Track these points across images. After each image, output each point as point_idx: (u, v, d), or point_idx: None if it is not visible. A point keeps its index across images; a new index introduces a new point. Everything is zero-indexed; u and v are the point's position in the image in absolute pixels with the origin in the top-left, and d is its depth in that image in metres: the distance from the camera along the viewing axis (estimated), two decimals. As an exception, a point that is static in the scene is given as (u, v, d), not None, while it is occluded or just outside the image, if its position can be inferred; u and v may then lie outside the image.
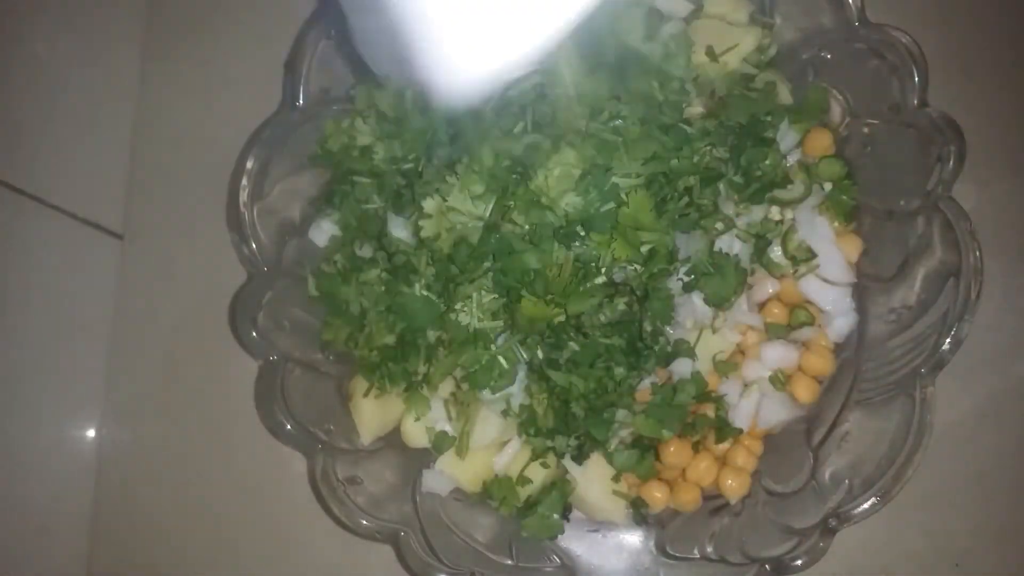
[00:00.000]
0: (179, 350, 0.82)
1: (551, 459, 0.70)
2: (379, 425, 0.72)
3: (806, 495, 0.67)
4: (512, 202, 0.62)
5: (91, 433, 0.82)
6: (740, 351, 0.72)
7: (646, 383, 0.68)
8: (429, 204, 0.64)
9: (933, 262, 0.67)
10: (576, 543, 0.72)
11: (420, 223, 0.64)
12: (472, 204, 0.63)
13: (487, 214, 0.62)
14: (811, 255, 0.70)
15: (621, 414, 0.66)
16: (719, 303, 0.67)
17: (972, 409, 0.76)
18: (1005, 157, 0.79)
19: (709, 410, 0.69)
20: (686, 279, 0.67)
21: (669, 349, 0.67)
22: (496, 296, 0.64)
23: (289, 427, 0.68)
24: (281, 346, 0.70)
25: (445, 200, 0.63)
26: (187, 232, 0.83)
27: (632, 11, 0.68)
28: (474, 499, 0.72)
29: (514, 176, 0.62)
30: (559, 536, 0.70)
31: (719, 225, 0.68)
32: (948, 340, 0.65)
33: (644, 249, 0.63)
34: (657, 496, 0.71)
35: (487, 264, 0.63)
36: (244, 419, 0.78)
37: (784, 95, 0.73)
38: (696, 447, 0.71)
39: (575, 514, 0.72)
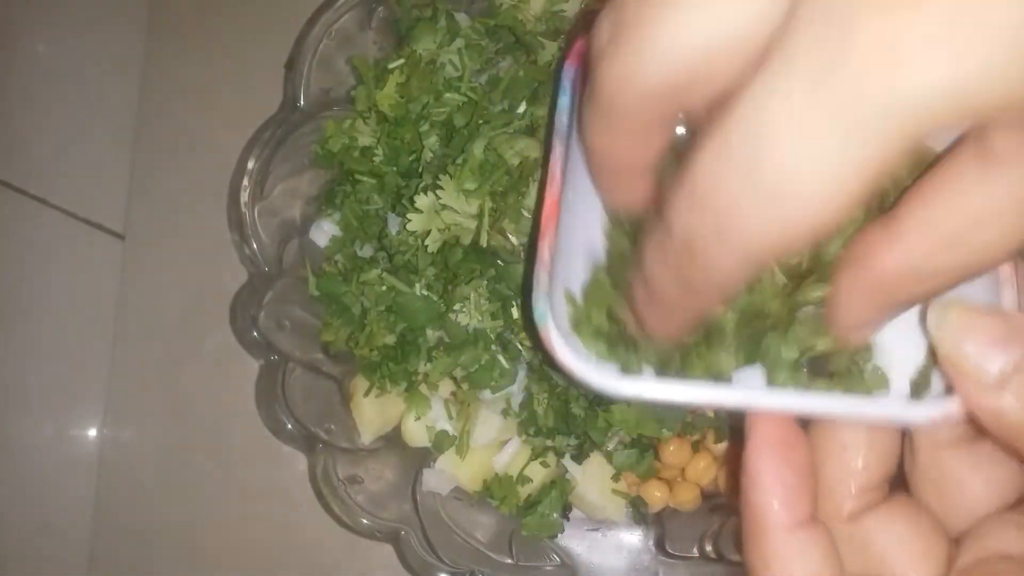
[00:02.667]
0: (180, 349, 0.82)
1: (551, 458, 0.70)
2: (380, 424, 0.72)
3: (805, 494, 0.67)
4: (504, 212, 0.62)
5: (92, 432, 0.82)
6: (739, 351, 0.72)
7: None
8: (422, 200, 0.64)
9: (931, 262, 0.67)
10: (576, 542, 0.72)
11: (409, 216, 0.64)
12: (466, 201, 0.63)
13: (481, 214, 0.62)
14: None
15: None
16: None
17: (970, 408, 0.76)
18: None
19: (708, 409, 0.70)
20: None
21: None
22: (492, 300, 0.64)
23: (290, 426, 0.68)
24: (282, 346, 0.70)
25: (439, 198, 0.63)
26: (188, 232, 0.83)
27: None
28: (474, 498, 0.72)
29: (506, 176, 0.62)
30: (559, 535, 0.70)
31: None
32: (946, 340, 0.65)
33: None
34: (656, 495, 0.71)
35: (479, 267, 0.63)
36: (245, 418, 0.78)
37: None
38: (695, 446, 0.71)
39: (575, 513, 0.72)
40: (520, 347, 0.66)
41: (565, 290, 0.41)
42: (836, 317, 0.32)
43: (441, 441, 0.70)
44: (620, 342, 0.40)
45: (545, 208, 0.40)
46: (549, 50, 0.67)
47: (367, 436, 0.72)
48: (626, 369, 0.40)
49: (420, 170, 0.68)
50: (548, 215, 0.40)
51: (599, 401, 0.65)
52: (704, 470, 0.70)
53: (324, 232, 0.74)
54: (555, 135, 0.41)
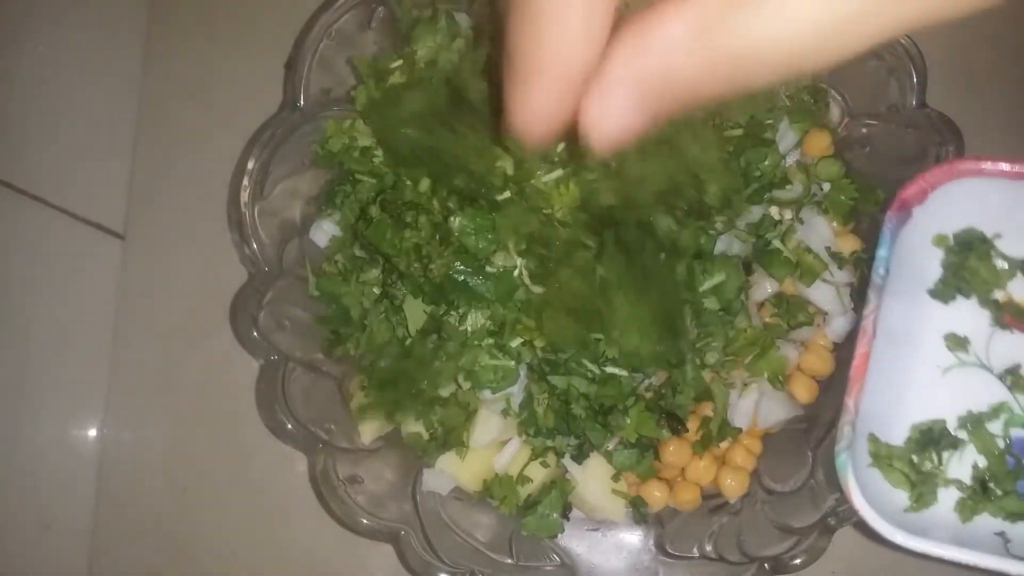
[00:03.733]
0: (180, 350, 0.82)
1: (551, 458, 0.70)
2: (379, 424, 0.72)
3: (805, 494, 0.67)
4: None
5: (93, 432, 0.82)
6: (739, 351, 0.72)
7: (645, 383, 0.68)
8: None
9: (931, 262, 0.67)
10: (576, 542, 0.72)
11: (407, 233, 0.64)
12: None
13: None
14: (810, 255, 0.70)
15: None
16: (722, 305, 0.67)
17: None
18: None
19: (708, 410, 0.70)
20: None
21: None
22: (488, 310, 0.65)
23: (290, 426, 0.68)
24: (282, 346, 0.70)
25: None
26: (188, 232, 0.83)
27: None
28: (474, 498, 0.72)
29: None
30: (559, 535, 0.70)
31: (719, 225, 0.68)
32: (947, 339, 0.65)
33: None
34: (656, 495, 0.71)
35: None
36: (245, 418, 0.78)
37: (783, 96, 0.73)
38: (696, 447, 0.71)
39: (575, 513, 0.72)
40: (520, 347, 0.66)
41: (870, 434, 0.43)
42: (593, 110, 0.29)
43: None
44: (916, 481, 0.44)
45: (855, 361, 0.41)
46: None
47: (367, 436, 0.72)
48: (919, 502, 0.44)
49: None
50: (857, 368, 0.41)
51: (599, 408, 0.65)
52: (704, 470, 0.70)
53: (324, 232, 0.74)
54: (871, 287, 0.42)
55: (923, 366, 0.45)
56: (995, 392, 0.44)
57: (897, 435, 0.44)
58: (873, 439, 0.44)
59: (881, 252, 0.43)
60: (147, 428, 0.82)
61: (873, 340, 0.42)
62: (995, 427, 0.44)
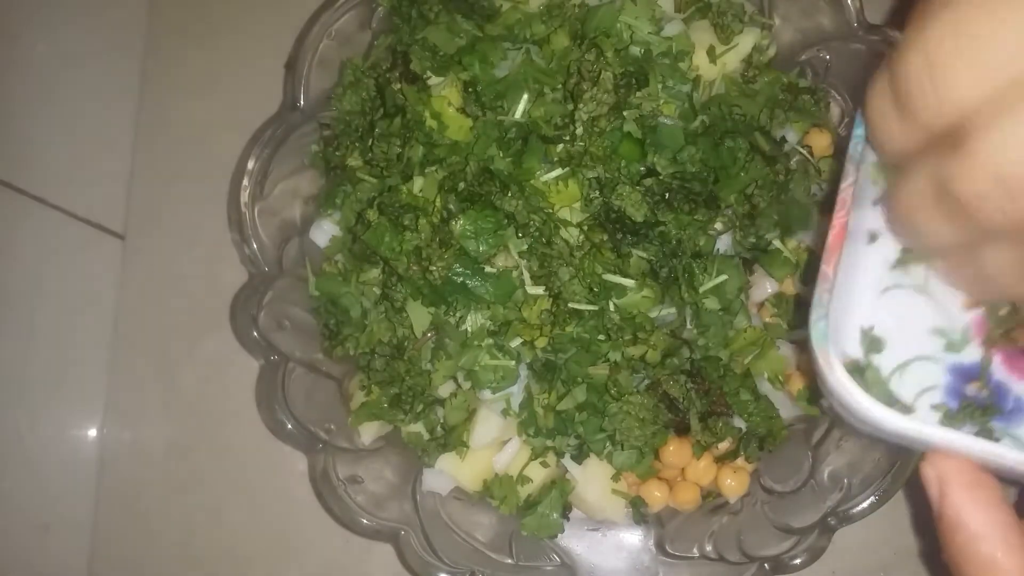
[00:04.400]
0: (180, 350, 0.82)
1: (551, 458, 0.70)
2: (379, 424, 0.72)
3: (805, 494, 0.67)
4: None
5: (92, 432, 0.82)
6: (739, 351, 0.72)
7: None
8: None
9: (931, 261, 0.67)
10: (576, 542, 0.72)
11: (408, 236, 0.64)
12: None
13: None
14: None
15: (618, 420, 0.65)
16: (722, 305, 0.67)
17: (970, 408, 0.76)
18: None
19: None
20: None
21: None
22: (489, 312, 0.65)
23: (290, 426, 0.68)
24: (282, 346, 0.70)
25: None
26: (188, 232, 0.83)
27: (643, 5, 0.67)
28: (474, 498, 0.72)
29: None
30: (559, 535, 0.70)
31: (719, 225, 0.68)
32: (947, 339, 0.65)
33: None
34: (656, 495, 0.71)
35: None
36: (245, 418, 0.78)
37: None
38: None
39: (575, 513, 0.72)
40: (520, 347, 0.66)
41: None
42: None
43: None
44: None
45: (833, 229, 0.40)
46: (557, 43, 0.66)
47: (367, 436, 0.72)
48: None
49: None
50: (836, 236, 0.40)
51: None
52: (704, 470, 0.70)
53: (324, 232, 0.74)
54: (849, 161, 0.41)
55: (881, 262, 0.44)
56: None
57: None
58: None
59: (859, 131, 0.42)
60: (147, 428, 0.82)
61: (851, 212, 0.41)
62: None
